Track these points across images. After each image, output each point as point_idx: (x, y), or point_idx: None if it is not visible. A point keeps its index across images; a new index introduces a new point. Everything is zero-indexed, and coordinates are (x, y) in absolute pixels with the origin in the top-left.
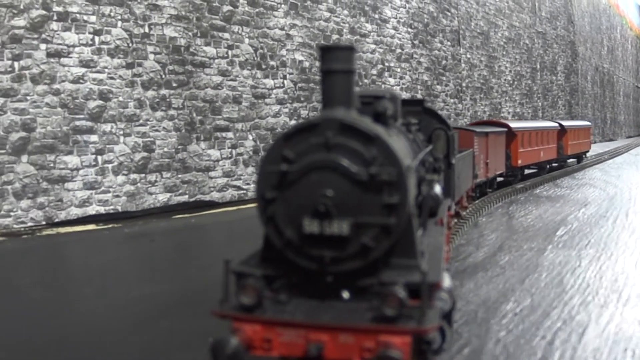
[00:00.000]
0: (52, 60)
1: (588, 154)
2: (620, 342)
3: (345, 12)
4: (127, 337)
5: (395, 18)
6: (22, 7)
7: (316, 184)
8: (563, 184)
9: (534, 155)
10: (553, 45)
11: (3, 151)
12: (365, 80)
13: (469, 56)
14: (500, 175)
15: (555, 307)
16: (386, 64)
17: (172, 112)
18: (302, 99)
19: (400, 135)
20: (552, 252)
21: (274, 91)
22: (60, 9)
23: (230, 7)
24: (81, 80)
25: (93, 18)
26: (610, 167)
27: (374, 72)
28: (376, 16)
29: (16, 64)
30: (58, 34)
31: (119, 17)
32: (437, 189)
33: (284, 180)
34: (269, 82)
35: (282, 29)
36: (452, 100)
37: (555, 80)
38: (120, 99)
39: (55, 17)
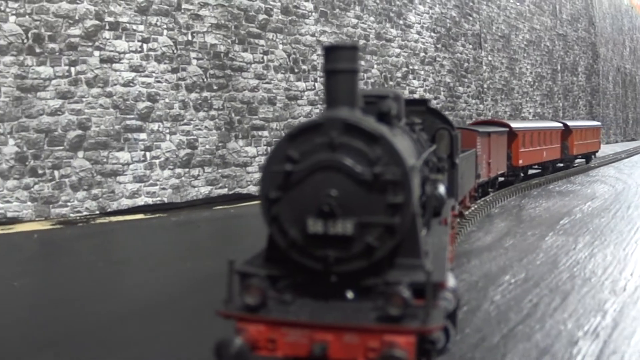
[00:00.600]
0: (105, 65)
1: (598, 154)
2: (595, 306)
3: (372, 18)
4: (177, 300)
5: (419, 23)
6: (77, 17)
7: (320, 184)
8: (576, 181)
9: (535, 155)
10: (574, 47)
11: (61, 147)
12: (391, 83)
13: (490, 58)
14: (502, 175)
15: (545, 280)
16: (410, 67)
17: (213, 112)
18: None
19: (404, 135)
20: (552, 237)
21: (306, 93)
22: (111, 19)
23: (265, 16)
24: (131, 84)
25: (141, 27)
26: (625, 165)
27: (399, 74)
28: (401, 22)
29: (73, 69)
30: (110, 42)
31: (165, 26)
32: (441, 188)
33: (288, 180)
34: (301, 84)
35: (312, 35)
36: (473, 101)
37: (576, 81)
38: (167, 100)
39: (107, 27)
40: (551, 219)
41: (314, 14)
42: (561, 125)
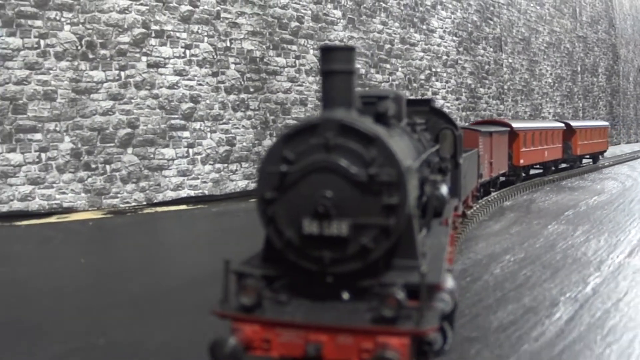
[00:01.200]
0: (151, 70)
1: (606, 154)
2: (579, 279)
3: (397, 24)
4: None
5: (442, 28)
6: (126, 26)
7: (316, 185)
8: (589, 177)
9: (537, 155)
10: (594, 48)
11: (112, 144)
12: (414, 85)
13: (510, 61)
14: (503, 174)
15: (541, 259)
16: (433, 70)
17: (249, 112)
18: None
19: (404, 136)
20: (554, 226)
21: None
22: (157, 27)
23: (297, 23)
24: (175, 87)
25: (184, 35)
26: (639, 164)
27: (422, 77)
28: (424, 27)
29: (122, 73)
30: (156, 48)
31: (206, 34)
32: (443, 189)
33: (284, 181)
34: None
35: (341, 40)
36: (494, 102)
37: (596, 82)
38: (207, 101)
39: (153, 34)
40: (557, 210)
41: (342, 20)
42: (563, 125)
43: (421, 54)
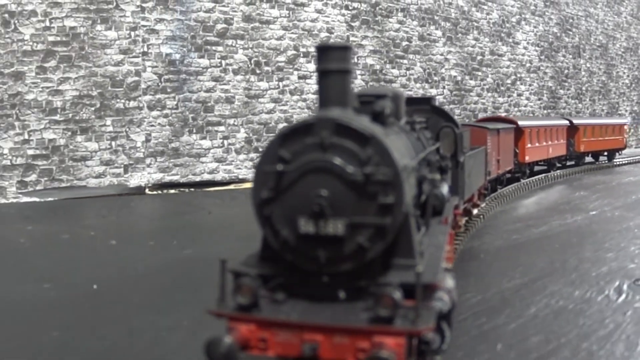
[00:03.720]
0: (301, 80)
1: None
2: (574, 217)
3: (487, 39)
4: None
5: (525, 40)
6: (282, 49)
7: (311, 184)
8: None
9: (541, 151)
10: None
11: (274, 134)
12: (502, 88)
13: (588, 65)
14: (509, 171)
15: (562, 207)
16: (518, 75)
17: None
18: (455, 102)
19: (401, 135)
20: (581, 193)
21: (437, 97)
22: (304, 49)
23: (407, 42)
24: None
25: (315, 66)
26: None
27: (509, 81)
28: (510, 40)
29: (280, 84)
30: (304, 65)
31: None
32: (444, 188)
33: (279, 181)
34: (434, 91)
35: (441, 54)
36: (573, 101)
37: None
38: None
39: (301, 55)
40: (592, 185)
41: (442, 38)
42: (567, 122)
43: (508, 62)
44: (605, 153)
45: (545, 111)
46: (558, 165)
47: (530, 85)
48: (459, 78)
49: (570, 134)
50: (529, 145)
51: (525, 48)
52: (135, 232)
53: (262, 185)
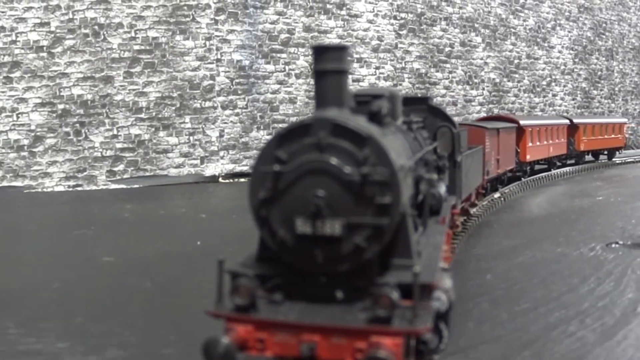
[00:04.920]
0: (355, 83)
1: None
2: (582, 199)
3: (523, 44)
4: None
5: (560, 44)
6: None
7: (308, 185)
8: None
9: (542, 150)
10: None
11: None
12: (538, 89)
13: (621, 67)
14: (510, 170)
15: (577, 193)
16: (553, 77)
17: None
18: (494, 102)
19: (398, 134)
20: (597, 183)
21: (477, 98)
22: (357, 55)
23: (450, 48)
24: None
25: (374, 60)
26: None
27: (544, 83)
28: (545, 44)
29: None
30: (357, 70)
31: (388, 59)
32: (441, 187)
33: (277, 181)
34: (474, 92)
35: (481, 59)
36: (605, 101)
37: None
38: None
39: (355, 60)
40: (609, 177)
41: (482, 44)
42: (567, 121)
43: (543, 65)
44: (605, 152)
45: (579, 110)
46: (558, 164)
47: (564, 86)
48: (497, 80)
49: (571, 132)
50: (530, 144)
51: (559, 52)
52: (218, 209)
53: (259, 186)
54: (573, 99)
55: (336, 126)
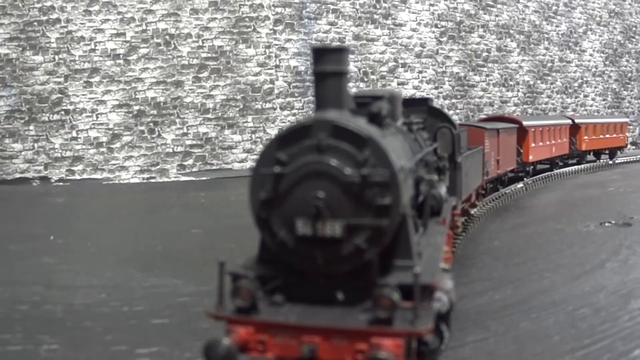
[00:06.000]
0: (399, 86)
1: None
2: (593, 189)
3: (556, 48)
4: None
5: (591, 47)
6: (384, 61)
7: (308, 186)
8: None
9: (545, 150)
10: None
11: None
12: (570, 90)
13: None
14: (511, 171)
15: (590, 183)
16: (584, 79)
17: (457, 110)
18: (528, 102)
19: (398, 136)
20: (614, 175)
21: (512, 99)
22: (402, 61)
23: (486, 53)
24: (413, 96)
25: (418, 65)
26: None
27: (576, 84)
28: (577, 48)
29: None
30: (402, 74)
31: (430, 64)
32: (441, 188)
33: (277, 183)
34: (509, 93)
35: (516, 63)
36: (636, 102)
37: None
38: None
39: (400, 66)
40: (629, 172)
41: (516, 49)
42: (569, 121)
43: (575, 68)
44: (607, 151)
45: (609, 110)
46: (560, 164)
47: (595, 87)
48: (531, 82)
49: (573, 132)
50: (533, 144)
51: (591, 55)
52: None
53: (259, 188)
54: (604, 100)
55: (336, 127)
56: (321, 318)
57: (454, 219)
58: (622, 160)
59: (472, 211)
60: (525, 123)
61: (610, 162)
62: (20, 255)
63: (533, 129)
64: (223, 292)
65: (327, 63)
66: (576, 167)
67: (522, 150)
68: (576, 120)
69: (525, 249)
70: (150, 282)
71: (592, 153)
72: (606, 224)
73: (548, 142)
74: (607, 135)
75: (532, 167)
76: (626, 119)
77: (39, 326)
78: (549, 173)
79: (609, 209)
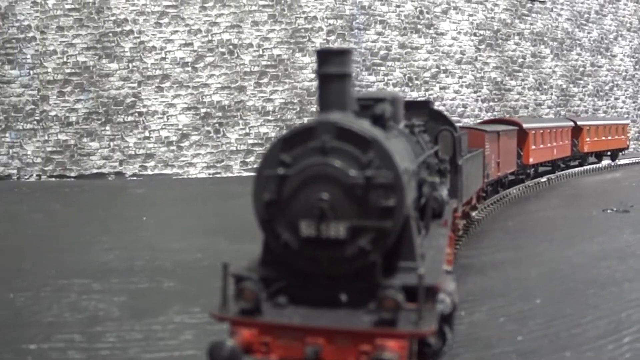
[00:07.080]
0: (441, 90)
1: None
2: (605, 188)
3: (588, 54)
4: None
5: (622, 53)
6: (427, 67)
7: (312, 188)
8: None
9: (546, 152)
10: None
11: None
12: (601, 93)
13: None
14: (512, 173)
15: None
16: (615, 83)
17: (495, 113)
18: (561, 105)
19: (401, 138)
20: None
21: (546, 102)
22: (444, 67)
23: (522, 59)
24: (454, 100)
25: (458, 71)
26: None
27: (607, 88)
28: (608, 53)
29: (426, 93)
30: (444, 79)
31: (469, 70)
32: (443, 190)
33: (281, 184)
34: (543, 97)
35: (550, 68)
36: None
37: None
38: (471, 107)
39: (442, 71)
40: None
41: (550, 55)
42: (571, 123)
43: (606, 72)
44: (609, 153)
45: (639, 112)
46: (562, 166)
47: (625, 90)
48: (564, 86)
49: (575, 134)
50: (534, 146)
51: (621, 60)
52: None
53: (263, 189)
54: (634, 102)
55: (340, 129)
56: (325, 319)
57: (455, 221)
58: (629, 162)
59: (473, 214)
60: (525, 125)
61: (613, 163)
62: (123, 230)
63: (533, 132)
64: (227, 294)
65: (331, 65)
66: (578, 168)
67: (522, 153)
68: (578, 123)
69: (532, 228)
70: (235, 247)
71: (593, 155)
72: (608, 211)
73: (549, 144)
74: (609, 137)
75: (532, 169)
76: (627, 121)
77: (156, 274)
78: (550, 176)
79: (614, 199)
